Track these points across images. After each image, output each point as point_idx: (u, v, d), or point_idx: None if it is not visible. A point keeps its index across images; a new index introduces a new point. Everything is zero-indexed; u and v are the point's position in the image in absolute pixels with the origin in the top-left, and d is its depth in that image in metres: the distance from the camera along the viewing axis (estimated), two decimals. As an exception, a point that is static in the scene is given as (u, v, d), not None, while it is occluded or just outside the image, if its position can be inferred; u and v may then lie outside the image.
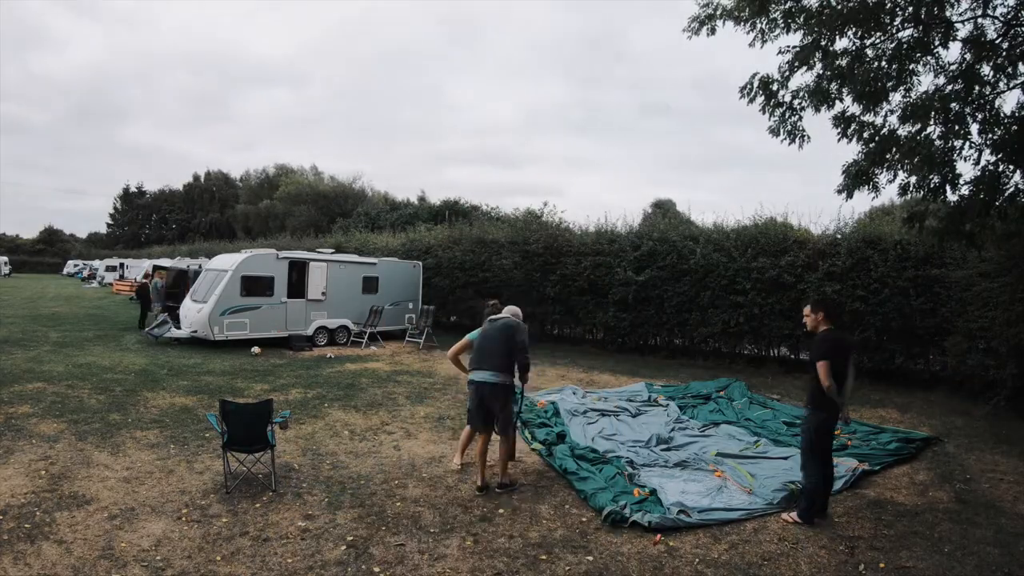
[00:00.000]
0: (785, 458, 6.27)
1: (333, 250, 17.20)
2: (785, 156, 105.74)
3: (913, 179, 6.98)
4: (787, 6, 7.03)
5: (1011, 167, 6.64)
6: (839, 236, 12.16)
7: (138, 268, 33.77)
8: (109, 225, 73.58)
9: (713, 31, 7.37)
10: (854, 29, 6.83)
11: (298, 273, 14.18)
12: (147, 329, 13.76)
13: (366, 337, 14.62)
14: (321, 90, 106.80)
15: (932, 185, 6.90)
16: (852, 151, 7.41)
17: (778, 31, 7.23)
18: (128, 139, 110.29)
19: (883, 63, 6.92)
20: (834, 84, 7.10)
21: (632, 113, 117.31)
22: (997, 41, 6.61)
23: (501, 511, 4.84)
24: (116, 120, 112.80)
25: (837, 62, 6.99)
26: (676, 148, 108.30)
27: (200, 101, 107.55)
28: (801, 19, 6.95)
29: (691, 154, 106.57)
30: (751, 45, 7.34)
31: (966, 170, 9.10)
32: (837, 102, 7.24)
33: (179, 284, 17.26)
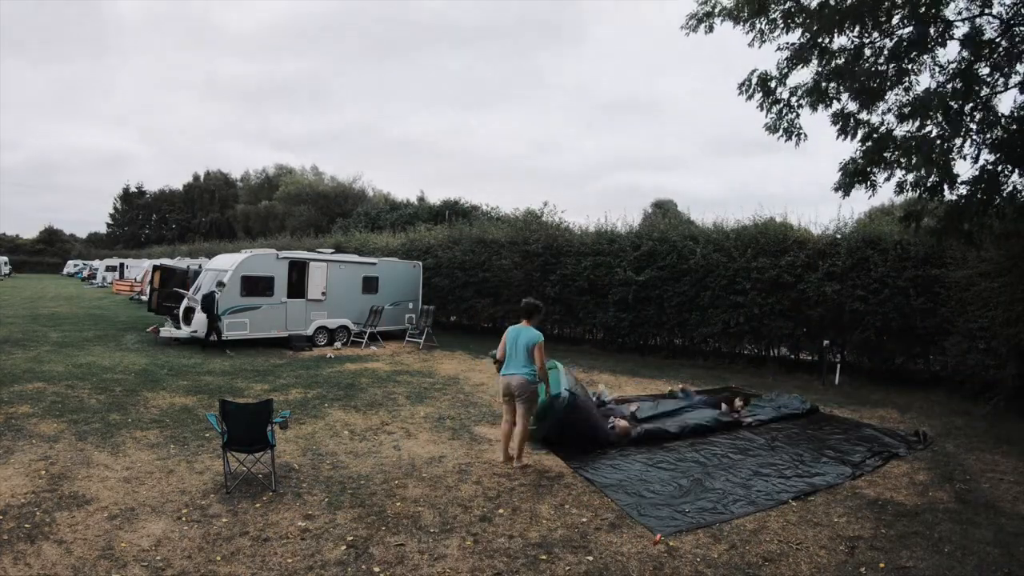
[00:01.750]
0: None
1: (333, 250, 17.20)
2: (512, 159, 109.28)
3: (911, 178, 7.00)
4: (787, 6, 7.04)
5: (1009, 166, 6.65)
6: (839, 236, 12.16)
7: (138, 268, 33.73)
8: (109, 225, 73.49)
9: (711, 29, 7.39)
10: (852, 27, 6.84)
11: (298, 273, 14.18)
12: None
13: (366, 337, 14.62)
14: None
15: (930, 184, 6.91)
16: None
17: (777, 31, 7.24)
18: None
19: (881, 62, 6.93)
20: (832, 83, 7.11)
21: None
22: (996, 40, 6.61)
23: (501, 511, 4.85)
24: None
25: (835, 60, 7.01)
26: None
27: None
28: (800, 19, 6.97)
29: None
30: (750, 45, 7.36)
31: (964, 169, 9.05)
32: (835, 100, 7.25)
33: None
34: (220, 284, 13.05)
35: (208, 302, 12.66)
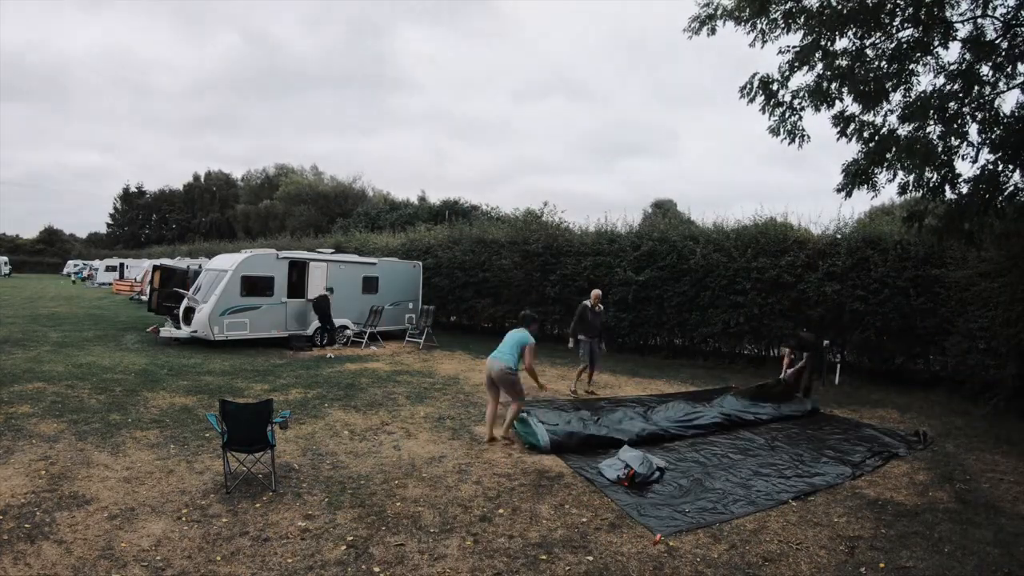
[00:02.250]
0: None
1: (333, 250, 17.19)
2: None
3: (912, 178, 7.00)
4: (787, 6, 7.05)
5: (1010, 166, 6.66)
6: (839, 236, 12.16)
7: (138, 268, 33.72)
8: (109, 225, 73.51)
9: (713, 31, 7.39)
10: (854, 29, 6.85)
11: (298, 273, 14.18)
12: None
13: (366, 337, 14.62)
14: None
15: (931, 184, 6.92)
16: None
17: (778, 31, 7.24)
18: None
19: (883, 63, 6.93)
20: (834, 84, 7.11)
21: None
22: (996, 41, 6.62)
23: (501, 511, 4.85)
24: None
25: (837, 62, 7.01)
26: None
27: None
28: (801, 19, 6.97)
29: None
30: (751, 45, 7.36)
31: (965, 169, 9.08)
32: (837, 102, 7.25)
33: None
34: (330, 289, 13.74)
35: (323, 304, 13.30)
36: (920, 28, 6.71)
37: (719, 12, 7.28)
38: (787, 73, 7.28)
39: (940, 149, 6.70)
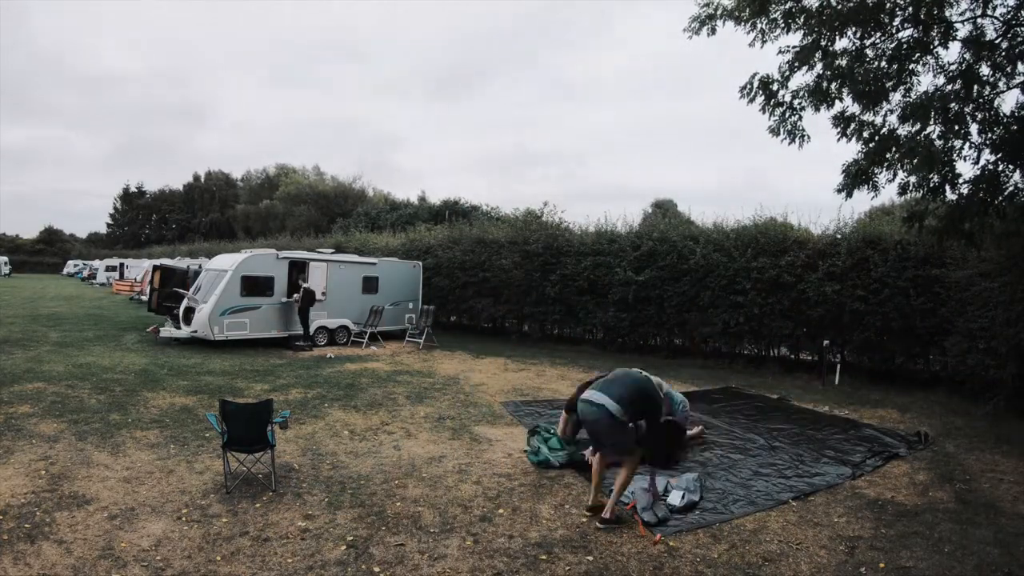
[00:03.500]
0: None
1: (333, 250, 17.20)
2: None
3: (913, 178, 7.00)
4: (787, 6, 7.05)
5: (1010, 166, 6.66)
6: (839, 236, 12.15)
7: (138, 268, 33.70)
8: (109, 225, 73.54)
9: (713, 31, 7.39)
10: (854, 29, 6.85)
11: (298, 273, 14.18)
12: None
13: (366, 337, 14.63)
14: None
15: (932, 184, 6.91)
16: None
17: (778, 31, 7.24)
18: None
19: (883, 63, 6.93)
20: (834, 84, 7.11)
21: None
22: (996, 41, 6.61)
23: (501, 511, 4.85)
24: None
25: (837, 62, 7.01)
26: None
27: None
28: (801, 19, 6.97)
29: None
30: (751, 45, 7.36)
31: (965, 169, 9.11)
32: (837, 102, 7.25)
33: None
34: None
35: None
36: (920, 28, 6.70)
37: (719, 12, 7.27)
38: (787, 73, 7.28)
39: (941, 149, 6.70)
